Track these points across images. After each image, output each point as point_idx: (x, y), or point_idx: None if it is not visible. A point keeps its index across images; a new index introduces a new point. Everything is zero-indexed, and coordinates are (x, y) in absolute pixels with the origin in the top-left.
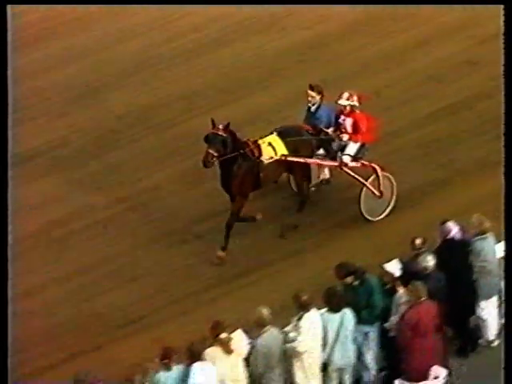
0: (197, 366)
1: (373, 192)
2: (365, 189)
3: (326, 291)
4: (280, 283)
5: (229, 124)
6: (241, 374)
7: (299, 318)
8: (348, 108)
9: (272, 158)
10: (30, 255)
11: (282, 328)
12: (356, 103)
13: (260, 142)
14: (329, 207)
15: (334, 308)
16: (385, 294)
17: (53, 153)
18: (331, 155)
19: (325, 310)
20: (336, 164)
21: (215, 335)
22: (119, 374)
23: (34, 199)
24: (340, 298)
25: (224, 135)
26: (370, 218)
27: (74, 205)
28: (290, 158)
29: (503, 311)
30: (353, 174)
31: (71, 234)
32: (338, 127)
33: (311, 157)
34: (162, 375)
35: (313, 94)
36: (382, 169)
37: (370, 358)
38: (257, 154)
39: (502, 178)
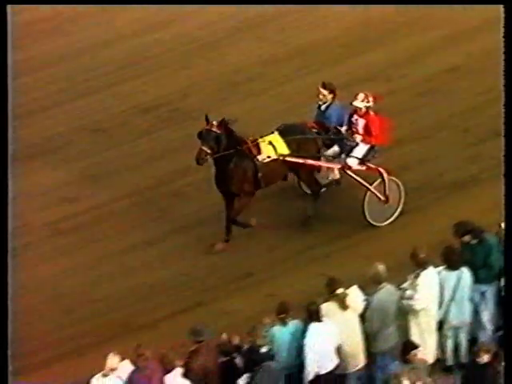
0: (314, 326)
1: (378, 197)
2: (369, 193)
3: (444, 249)
4: (397, 240)
5: (223, 120)
6: (356, 330)
7: (416, 276)
8: (363, 109)
9: (270, 157)
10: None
11: (399, 285)
12: (371, 104)
13: (260, 140)
14: None
15: (452, 266)
16: (503, 254)
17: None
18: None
19: (442, 268)
20: (338, 166)
21: (331, 291)
22: (235, 327)
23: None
24: (458, 256)
25: (217, 132)
26: (374, 223)
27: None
28: (288, 159)
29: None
30: (356, 177)
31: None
32: (350, 127)
33: (318, 156)
34: (278, 329)
35: (324, 92)
36: (389, 173)
37: (486, 317)
38: (255, 152)
39: None
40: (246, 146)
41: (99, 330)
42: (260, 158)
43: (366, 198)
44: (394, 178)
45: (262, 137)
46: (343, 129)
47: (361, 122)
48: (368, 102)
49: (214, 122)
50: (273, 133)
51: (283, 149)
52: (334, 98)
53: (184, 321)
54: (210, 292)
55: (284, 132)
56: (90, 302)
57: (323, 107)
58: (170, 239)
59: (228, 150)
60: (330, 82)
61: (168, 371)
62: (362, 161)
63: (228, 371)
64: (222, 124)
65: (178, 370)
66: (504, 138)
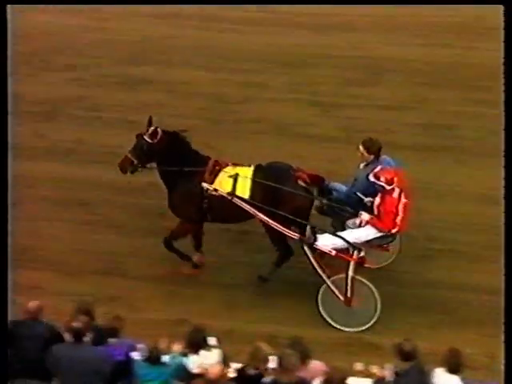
0: None
1: (336, 295)
2: (325, 286)
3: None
4: None
5: (156, 129)
6: None
7: None
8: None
9: (216, 190)
10: None
11: None
12: (383, 184)
13: (228, 168)
14: None
15: None
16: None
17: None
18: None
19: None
20: (296, 236)
21: None
22: None
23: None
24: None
25: (150, 141)
26: (335, 325)
27: None
28: (236, 201)
29: None
30: (313, 260)
31: None
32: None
33: (287, 218)
34: None
35: (361, 149)
36: (356, 269)
37: None
38: (207, 179)
39: None
40: (202, 169)
41: None
42: (204, 185)
43: (321, 290)
44: (363, 280)
45: (235, 164)
46: (367, 199)
47: (377, 200)
48: (380, 181)
49: (151, 129)
50: (250, 166)
51: (243, 190)
52: (376, 159)
53: None
54: None
55: (261, 171)
56: None
57: (361, 166)
58: None
59: (173, 165)
60: (372, 139)
61: None
62: (352, 245)
63: None
64: (156, 133)
65: None
66: (504, 157)
